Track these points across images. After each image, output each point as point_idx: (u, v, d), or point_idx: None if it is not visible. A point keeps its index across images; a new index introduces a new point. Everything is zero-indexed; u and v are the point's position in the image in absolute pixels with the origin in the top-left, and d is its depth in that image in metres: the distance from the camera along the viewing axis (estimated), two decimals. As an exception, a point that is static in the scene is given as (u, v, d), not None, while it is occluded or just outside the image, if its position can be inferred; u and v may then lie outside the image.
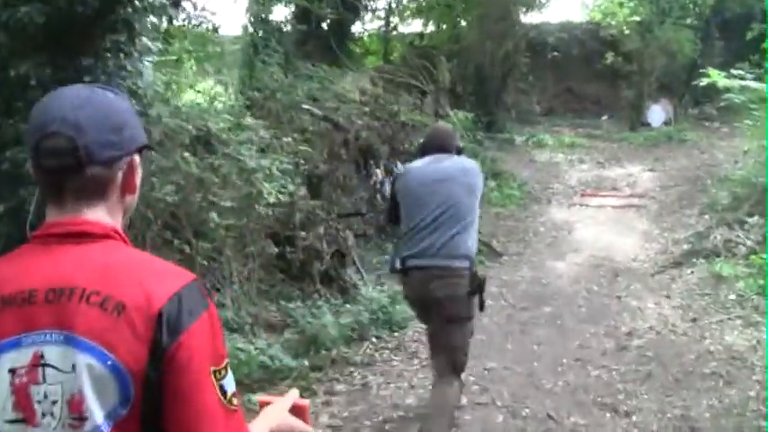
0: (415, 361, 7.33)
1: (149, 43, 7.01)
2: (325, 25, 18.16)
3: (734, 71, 10.12)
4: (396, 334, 8.02)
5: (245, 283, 8.30)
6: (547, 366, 6.99)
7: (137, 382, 1.46)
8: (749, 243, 9.33)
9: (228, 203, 7.55)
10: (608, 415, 5.93)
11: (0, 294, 1.52)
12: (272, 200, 8.17)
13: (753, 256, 8.84)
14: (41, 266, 1.53)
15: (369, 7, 20.15)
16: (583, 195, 14.08)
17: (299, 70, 13.48)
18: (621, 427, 5.74)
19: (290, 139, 9.59)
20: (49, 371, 1.48)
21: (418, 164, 5.09)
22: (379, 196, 11.86)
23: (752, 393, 5.99)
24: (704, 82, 10.15)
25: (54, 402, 1.47)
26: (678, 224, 11.80)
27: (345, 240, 9.73)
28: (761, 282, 8.27)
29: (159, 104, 7.63)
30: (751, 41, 15.73)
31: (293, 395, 1.96)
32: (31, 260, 1.55)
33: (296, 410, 1.90)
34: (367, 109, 11.59)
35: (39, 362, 1.48)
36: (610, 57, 20.80)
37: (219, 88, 12.80)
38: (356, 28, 20.85)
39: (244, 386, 5.89)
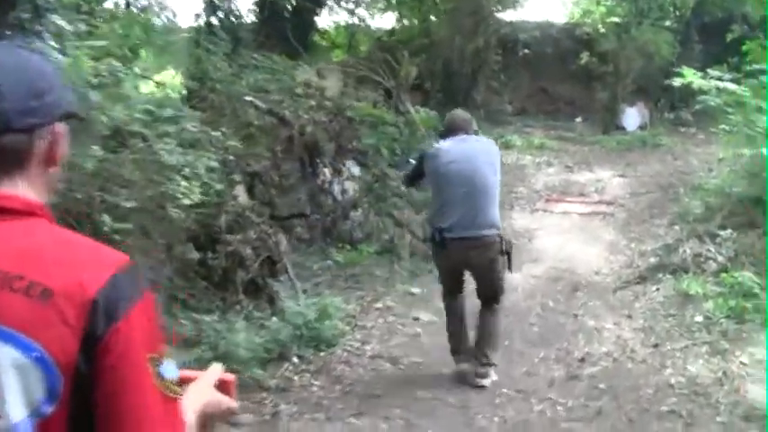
0: (338, 387, 6.46)
1: (63, 23, 6.35)
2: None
3: (710, 71, 9.26)
4: (322, 354, 7.15)
5: (154, 292, 7.32)
6: (484, 397, 6.11)
7: (66, 376, 1.35)
8: (720, 259, 8.48)
9: (129, 204, 6.59)
10: (546, 463, 5.06)
11: None
12: (189, 200, 7.18)
13: (723, 274, 8.00)
14: None
15: (334, -2, 19.21)
16: (548, 201, 13.23)
17: (246, 61, 12.52)
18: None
19: (218, 133, 8.59)
20: None
21: (447, 144, 5.83)
22: (325, 197, 10.90)
23: (714, 440, 5.11)
24: (678, 82, 9.31)
25: None
26: (646, 234, 10.94)
27: (277, 245, 8.79)
28: (731, 303, 7.44)
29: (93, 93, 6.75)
30: (730, 45, 14.84)
31: (216, 370, 1.85)
32: None
33: (221, 386, 1.80)
34: (313, 103, 10.63)
35: None
36: (585, 57, 19.99)
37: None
38: (323, 20, 20.00)
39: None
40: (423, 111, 14.96)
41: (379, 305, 8.69)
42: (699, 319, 7.43)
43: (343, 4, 19.75)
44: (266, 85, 11.75)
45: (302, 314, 7.45)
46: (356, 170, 10.81)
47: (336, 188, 10.97)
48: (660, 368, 6.41)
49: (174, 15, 14.38)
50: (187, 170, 7.39)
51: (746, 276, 7.84)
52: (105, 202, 6.34)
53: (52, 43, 6.49)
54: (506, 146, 17.12)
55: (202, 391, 1.75)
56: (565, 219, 12.25)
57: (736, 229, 9.06)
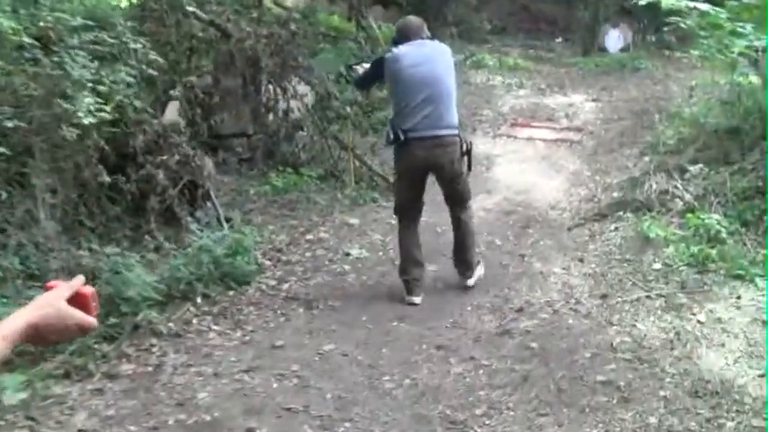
0: (237, 334, 5.72)
1: None
2: None
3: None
4: (231, 293, 6.32)
5: (50, 220, 6.50)
6: (398, 355, 5.34)
7: None
8: (687, 197, 7.65)
9: (11, 124, 5.71)
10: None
11: None
12: (93, 119, 6.27)
13: (689, 215, 7.17)
14: None
15: None
16: (513, 125, 12.33)
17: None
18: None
19: (140, 45, 7.63)
20: None
21: (405, 48, 5.89)
22: (269, 116, 9.96)
23: (652, 420, 4.31)
24: (644, 1, 8.29)
25: None
26: (613, 165, 10.09)
27: (201, 169, 7.88)
28: (693, 249, 6.60)
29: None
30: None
31: (78, 281, 1.79)
32: None
33: (77, 300, 1.74)
34: (254, 14, 9.61)
35: None
36: (565, -28, 18.83)
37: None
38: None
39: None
40: (385, 26, 13.91)
41: (310, 236, 7.90)
42: (657, 266, 6.62)
43: None
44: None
45: (211, 248, 6.58)
46: (302, 88, 9.83)
47: (281, 107, 10.01)
48: (605, 325, 5.60)
49: None
50: (101, 86, 6.54)
51: (713, 218, 7.01)
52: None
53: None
54: (477, 65, 16.22)
55: (48, 302, 1.69)
56: (528, 146, 11.37)
57: (707, 164, 8.20)
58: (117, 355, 5.31)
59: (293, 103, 9.99)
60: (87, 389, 4.88)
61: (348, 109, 9.66)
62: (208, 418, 4.50)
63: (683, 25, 8.24)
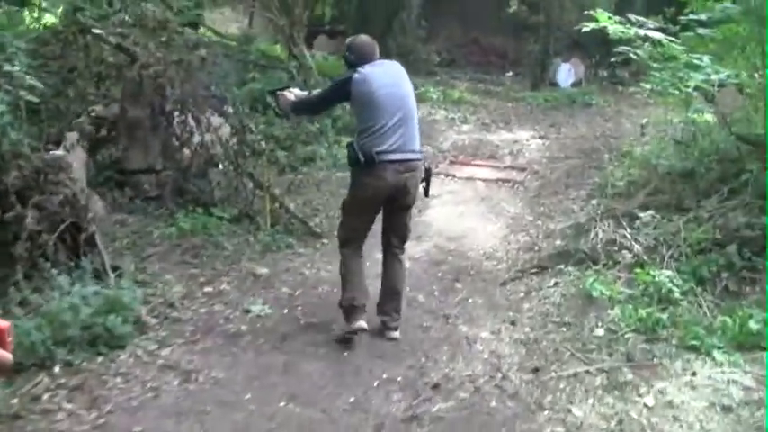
0: (92, 415, 4.68)
1: None
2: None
3: (632, 16, 7.43)
4: (99, 359, 5.30)
5: None
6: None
7: None
8: (636, 249, 6.78)
9: None
10: None
11: None
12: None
13: (638, 270, 6.26)
14: None
15: None
16: (452, 163, 11.44)
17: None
18: None
19: (16, 68, 6.68)
20: None
21: (371, 69, 5.54)
22: (185, 150, 8.96)
23: None
24: (588, 27, 7.45)
25: None
26: (558, 209, 9.21)
27: (85, 210, 6.86)
28: (641, 312, 5.69)
29: None
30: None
31: None
32: None
33: None
34: (164, 38, 8.64)
35: None
36: (514, 5, 18.11)
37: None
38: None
39: None
40: (320, 55, 13.02)
41: (209, 289, 6.90)
42: (599, 332, 5.71)
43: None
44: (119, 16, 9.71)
45: (78, 306, 5.56)
46: (216, 120, 8.84)
47: (196, 140, 9.00)
48: (534, 409, 4.64)
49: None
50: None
51: (665, 275, 6.12)
52: None
53: None
54: (420, 98, 15.19)
55: None
56: (468, 186, 10.45)
57: (659, 211, 7.37)
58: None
59: (207, 137, 8.97)
60: None
61: (263, 144, 8.65)
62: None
63: (633, 56, 7.38)
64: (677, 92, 7.24)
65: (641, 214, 7.32)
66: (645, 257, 6.63)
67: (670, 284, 6.01)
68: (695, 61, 7.02)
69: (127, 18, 8.44)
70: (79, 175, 8.04)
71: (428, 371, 5.31)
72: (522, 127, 13.95)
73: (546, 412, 4.62)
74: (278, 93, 6.74)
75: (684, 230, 6.75)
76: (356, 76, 5.56)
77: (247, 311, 6.43)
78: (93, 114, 9.31)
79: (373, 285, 6.05)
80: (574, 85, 18.34)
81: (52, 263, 6.36)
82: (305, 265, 7.55)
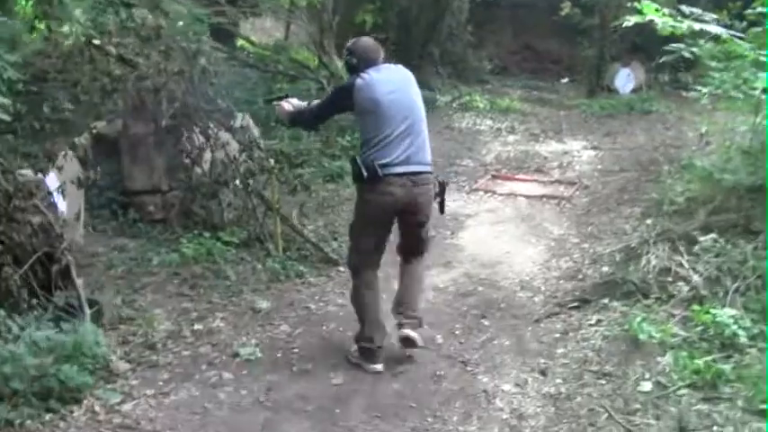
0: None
1: None
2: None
3: (685, 8, 6.37)
4: (48, 416, 4.52)
5: None
6: None
7: None
8: (695, 280, 5.73)
9: None
10: None
11: None
12: None
13: (696, 308, 5.21)
14: None
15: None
16: (493, 178, 10.44)
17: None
18: None
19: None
20: None
21: (375, 74, 5.09)
22: (195, 168, 8.14)
23: None
24: (631, 21, 6.40)
25: None
26: (608, 230, 8.17)
27: (60, 239, 6.06)
28: (698, 362, 4.68)
29: None
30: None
31: None
32: None
33: None
34: (162, 48, 7.82)
35: None
36: (566, 7, 17.04)
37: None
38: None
39: None
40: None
41: (200, 326, 6.09)
42: (646, 386, 4.69)
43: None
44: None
45: (20, 354, 4.73)
46: (223, 136, 8.00)
47: (205, 158, 8.17)
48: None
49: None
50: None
51: (729, 314, 5.05)
52: None
53: None
54: (465, 107, 14.39)
55: None
56: (508, 203, 9.46)
57: (723, 234, 6.28)
58: None
59: (218, 154, 8.13)
60: None
61: (272, 161, 7.76)
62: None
63: (686, 54, 6.32)
64: (741, 95, 6.14)
65: (701, 238, 6.25)
66: (704, 291, 5.59)
67: (735, 326, 4.97)
68: (764, 59, 5.93)
69: (122, 26, 7.56)
70: (72, 198, 7.31)
71: (434, 436, 4.32)
72: (574, 137, 12.90)
73: (572, 501, 3.59)
74: (274, 103, 5.94)
75: (753, 258, 5.70)
76: (359, 81, 5.11)
77: (236, 355, 5.57)
78: (94, 131, 8.55)
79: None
80: (634, 90, 17.18)
81: (15, 300, 5.56)
82: (313, 298, 6.65)
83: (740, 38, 6.46)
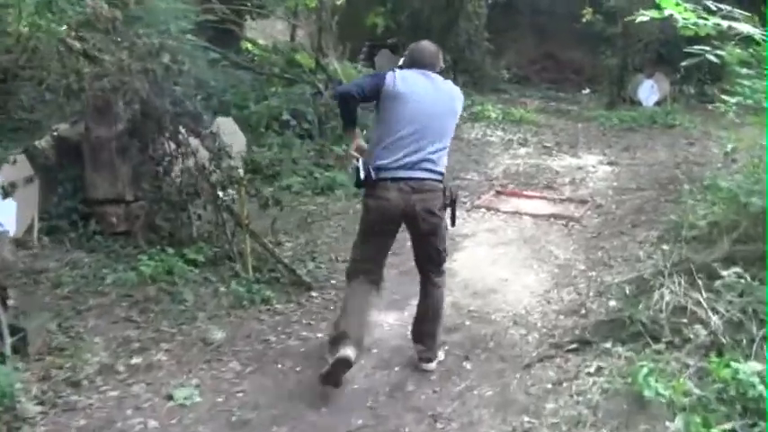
0: None
1: None
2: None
3: (710, 3, 5.47)
4: None
5: None
6: None
7: None
8: (714, 323, 4.81)
9: None
10: None
11: None
12: None
13: (714, 359, 4.30)
14: None
15: None
16: (498, 193, 9.58)
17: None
18: None
19: None
20: None
21: (410, 73, 4.92)
22: (158, 178, 7.39)
23: None
24: (647, 16, 5.49)
25: None
26: (619, 255, 7.31)
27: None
28: (715, 429, 3.74)
29: None
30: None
31: None
32: None
33: None
34: (126, 43, 7.03)
35: None
36: (588, 14, 16.20)
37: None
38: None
39: None
40: (350, 64, 11.37)
41: (138, 360, 5.28)
42: (651, 460, 3.76)
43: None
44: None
45: None
46: (195, 143, 7.21)
47: (174, 166, 7.38)
48: None
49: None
50: None
51: (752, 370, 4.14)
52: None
53: None
54: (476, 117, 13.50)
55: None
56: (512, 222, 8.60)
57: (749, 267, 5.37)
58: None
59: (190, 162, 7.34)
60: None
61: (241, 171, 6.96)
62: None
63: (712, 57, 5.44)
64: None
65: (724, 272, 5.33)
66: (725, 338, 4.69)
67: (760, 386, 4.05)
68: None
69: (77, 15, 6.78)
70: (24, 206, 6.59)
71: None
72: (589, 151, 12.06)
73: None
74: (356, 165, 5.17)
75: (783, 298, 4.78)
76: (391, 72, 4.95)
77: (170, 397, 4.76)
78: (55, 134, 7.78)
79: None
80: (657, 103, 16.38)
81: None
82: (275, 329, 5.85)
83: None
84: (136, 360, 5.28)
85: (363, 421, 4.44)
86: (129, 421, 4.48)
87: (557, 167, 11.01)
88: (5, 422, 4.34)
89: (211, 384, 4.96)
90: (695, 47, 5.55)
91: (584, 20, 16.63)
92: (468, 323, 5.98)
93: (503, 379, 4.98)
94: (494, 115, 14.00)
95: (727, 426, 3.88)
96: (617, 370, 4.79)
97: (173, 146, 7.28)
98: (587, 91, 18.87)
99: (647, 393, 4.27)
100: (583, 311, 6.03)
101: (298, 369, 5.16)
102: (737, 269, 5.29)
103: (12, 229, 6.71)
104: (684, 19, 5.02)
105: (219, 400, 4.76)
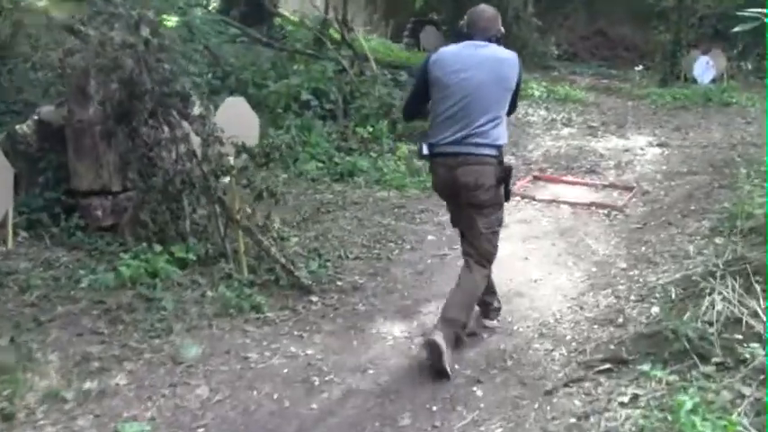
0: None
1: None
2: None
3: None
4: None
5: None
6: None
7: None
8: (777, 338, 3.89)
9: None
10: None
11: None
12: None
13: (775, 388, 3.41)
14: None
15: None
16: (535, 179, 8.71)
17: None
18: None
19: None
20: None
21: (452, 48, 4.90)
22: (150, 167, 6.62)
23: None
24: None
25: None
26: (666, 251, 6.39)
27: None
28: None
29: None
30: None
31: None
32: None
33: None
34: (105, 15, 6.35)
35: None
36: (641, -12, 15.36)
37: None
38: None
39: None
40: (375, 37, 10.55)
41: (92, 384, 4.60)
42: None
43: None
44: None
45: None
46: (187, 127, 6.45)
47: (165, 154, 6.64)
48: None
49: None
50: None
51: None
52: None
53: None
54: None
55: None
56: (548, 212, 7.74)
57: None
58: None
59: (182, 148, 6.57)
60: None
61: (231, 159, 6.17)
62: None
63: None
64: None
65: (787, 271, 4.43)
66: (790, 360, 3.77)
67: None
68: None
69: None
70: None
71: None
72: (639, 131, 11.15)
73: None
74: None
75: None
76: (432, 57, 4.91)
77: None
78: (36, 118, 7.11)
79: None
80: (713, 80, 15.37)
81: None
82: (260, 343, 5.08)
83: None
84: (89, 385, 4.52)
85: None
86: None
87: (601, 150, 10.11)
88: None
89: (169, 417, 4.18)
90: (750, 10, 4.65)
91: (638, -6, 15.65)
92: (485, 336, 5.14)
93: (518, 410, 4.12)
94: (537, 93, 13.16)
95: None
96: (656, 399, 3.91)
97: (166, 130, 6.49)
98: (640, 68, 17.93)
99: (688, 428, 3.38)
100: (620, 320, 5.14)
101: (275, 396, 4.38)
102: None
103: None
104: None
105: (161, 434, 3.96)
